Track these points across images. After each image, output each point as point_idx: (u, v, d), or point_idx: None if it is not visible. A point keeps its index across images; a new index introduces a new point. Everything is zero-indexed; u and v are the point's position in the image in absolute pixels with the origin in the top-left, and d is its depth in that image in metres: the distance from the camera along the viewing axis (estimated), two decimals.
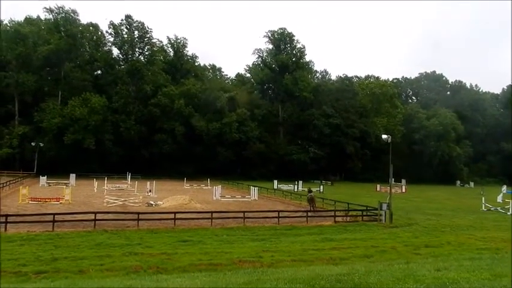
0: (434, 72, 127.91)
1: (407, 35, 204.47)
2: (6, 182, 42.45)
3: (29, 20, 77.27)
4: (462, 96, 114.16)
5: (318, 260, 14.15)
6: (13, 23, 76.25)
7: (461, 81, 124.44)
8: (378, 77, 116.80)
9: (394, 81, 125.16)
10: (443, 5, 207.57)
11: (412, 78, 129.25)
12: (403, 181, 70.11)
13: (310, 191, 34.63)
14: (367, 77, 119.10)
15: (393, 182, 33.97)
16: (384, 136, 31.64)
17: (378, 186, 62.02)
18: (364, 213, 27.47)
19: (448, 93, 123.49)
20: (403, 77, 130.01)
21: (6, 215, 20.44)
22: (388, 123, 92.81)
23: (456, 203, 44.62)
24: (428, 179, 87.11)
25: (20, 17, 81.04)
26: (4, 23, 78.38)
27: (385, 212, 25.96)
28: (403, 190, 60.18)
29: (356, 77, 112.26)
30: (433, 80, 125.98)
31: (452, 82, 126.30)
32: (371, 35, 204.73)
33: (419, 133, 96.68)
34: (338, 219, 26.33)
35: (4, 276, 11.10)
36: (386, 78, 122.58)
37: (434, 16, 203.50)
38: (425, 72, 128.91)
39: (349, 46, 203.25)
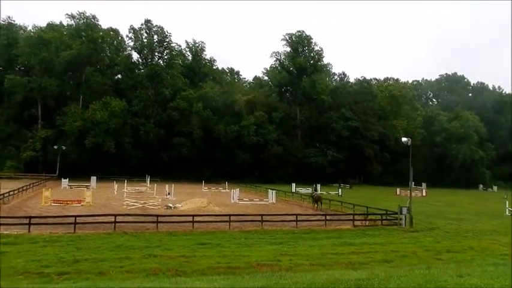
0: (456, 73, 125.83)
1: (427, 36, 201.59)
2: (29, 184, 43.55)
3: (51, 26, 79.09)
4: (484, 98, 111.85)
5: (337, 264, 14.04)
6: (36, 28, 78.17)
7: (484, 83, 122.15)
8: (397, 79, 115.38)
9: (414, 83, 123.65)
10: (464, 5, 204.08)
11: (433, 80, 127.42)
12: (424, 185, 68.98)
13: (315, 190, 36.84)
14: (386, 79, 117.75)
15: (413, 186, 33.43)
16: (404, 139, 31.25)
17: (398, 189, 61.15)
18: (384, 217, 27.12)
19: (470, 95, 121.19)
20: (423, 79, 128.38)
21: (30, 217, 20.92)
22: (408, 126, 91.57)
23: (479, 207, 43.61)
24: (449, 182, 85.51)
25: (43, 23, 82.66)
26: (28, 29, 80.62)
27: (405, 216, 25.59)
28: (424, 194, 59.21)
29: (374, 79, 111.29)
30: (454, 81, 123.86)
31: (474, 84, 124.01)
32: (390, 36, 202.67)
33: (440, 136, 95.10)
34: (357, 223, 26.05)
35: (27, 277, 11.37)
36: (405, 80, 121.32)
37: (456, 17, 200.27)
38: (446, 73, 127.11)
39: (367, 48, 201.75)
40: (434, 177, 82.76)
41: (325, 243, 19.14)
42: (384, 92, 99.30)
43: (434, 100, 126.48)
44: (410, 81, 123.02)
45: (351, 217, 26.76)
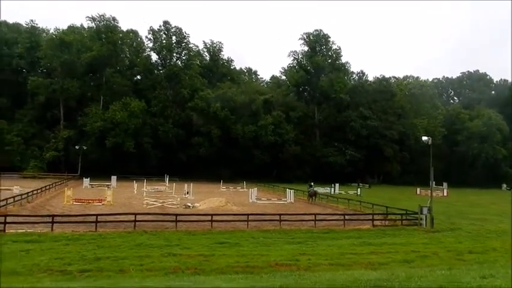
0: (478, 71, 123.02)
1: (448, 33, 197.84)
2: (52, 184, 44.55)
3: (72, 29, 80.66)
4: (507, 96, 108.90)
5: (356, 264, 13.93)
6: (58, 31, 79.89)
7: (507, 80, 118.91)
8: (417, 77, 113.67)
9: (435, 81, 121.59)
10: (486, 2, 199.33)
11: (454, 77, 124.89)
12: (445, 184, 67.65)
13: (311, 186, 43.02)
14: (406, 77, 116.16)
15: (434, 186, 32.85)
16: (424, 138, 30.74)
17: (418, 189, 60.27)
18: (404, 217, 26.77)
19: (493, 92, 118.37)
20: (443, 76, 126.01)
21: (53, 215, 21.39)
22: (428, 125, 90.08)
23: (502, 208, 42.49)
24: (471, 182, 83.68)
25: (64, 25, 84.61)
26: (50, 32, 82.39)
27: (425, 216, 25.20)
28: (445, 194, 58.19)
29: (394, 77, 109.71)
30: (476, 79, 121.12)
31: (497, 81, 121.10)
32: (409, 34, 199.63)
33: (462, 134, 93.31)
34: (376, 223, 25.80)
35: (51, 274, 11.63)
36: (426, 79, 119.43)
37: (477, 13, 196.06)
38: (468, 71, 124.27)
39: (386, 46, 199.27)
40: (456, 177, 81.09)
41: (344, 243, 19.01)
42: (404, 90, 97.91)
43: (455, 98, 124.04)
44: (430, 79, 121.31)
45: (370, 217, 26.53)
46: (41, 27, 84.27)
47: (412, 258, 15.22)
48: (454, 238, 21.29)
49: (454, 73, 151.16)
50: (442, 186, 64.46)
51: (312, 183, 47.36)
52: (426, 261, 14.74)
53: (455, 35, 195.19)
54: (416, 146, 78.80)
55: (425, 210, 25.34)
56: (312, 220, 24.63)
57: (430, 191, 30.95)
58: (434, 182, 31.17)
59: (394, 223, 26.20)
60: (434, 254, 16.38)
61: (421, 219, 25.33)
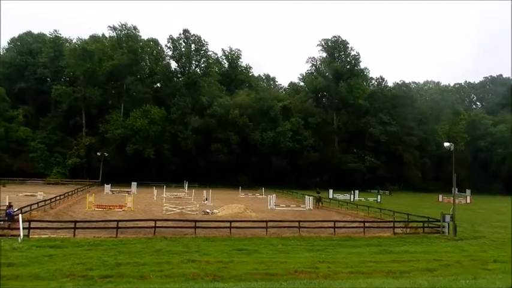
0: (501, 75, 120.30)
1: (470, 37, 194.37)
2: (74, 190, 45.48)
3: (94, 38, 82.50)
4: None
5: (377, 272, 13.71)
6: (80, 41, 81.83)
7: None
8: (437, 83, 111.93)
9: (456, 86, 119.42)
10: (508, 4, 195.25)
11: (476, 82, 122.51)
12: (468, 191, 66.22)
13: (318, 192, 46.30)
14: (426, 82, 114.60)
15: (457, 192, 32.15)
16: (446, 144, 30.16)
17: (440, 196, 59.19)
18: (426, 224, 26.32)
19: None
20: (465, 81, 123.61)
21: (75, 221, 21.80)
22: (450, 131, 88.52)
23: None
24: (495, 189, 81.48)
25: (85, 35, 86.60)
26: (73, 41, 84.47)
27: (448, 224, 24.70)
28: (468, 201, 56.96)
29: (414, 82, 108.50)
30: (500, 83, 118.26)
31: None
32: (429, 39, 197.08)
33: (485, 140, 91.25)
34: (397, 230, 25.39)
35: (73, 279, 11.83)
36: (447, 84, 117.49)
37: (500, 16, 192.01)
38: (491, 75, 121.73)
39: (405, 52, 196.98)
40: (479, 184, 79.22)
41: (364, 250, 18.76)
42: (424, 95, 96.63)
43: (478, 103, 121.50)
44: (452, 84, 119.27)
45: (391, 224, 26.12)
46: (64, 37, 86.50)
47: (434, 267, 14.89)
48: (478, 246, 20.78)
49: (477, 78, 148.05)
50: (465, 193, 63.10)
51: (319, 190, 50.16)
52: (449, 270, 14.42)
53: (477, 39, 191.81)
54: (438, 152, 77.53)
55: (447, 218, 24.84)
56: (332, 227, 24.42)
57: (452, 198, 30.31)
58: (456, 189, 30.51)
59: (415, 231, 25.76)
60: (458, 262, 16.00)
61: (443, 227, 24.84)
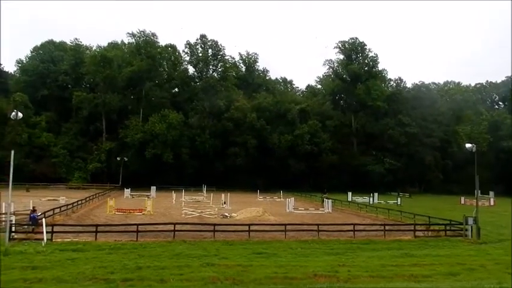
0: None
1: (491, 36, 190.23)
2: (95, 194, 46.27)
3: (113, 45, 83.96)
4: None
5: (398, 276, 13.50)
6: (100, 48, 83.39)
7: None
8: (458, 83, 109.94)
9: (477, 86, 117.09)
10: None
11: (498, 82, 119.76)
12: (491, 193, 64.71)
13: (325, 192, 50.10)
14: (446, 83, 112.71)
15: (480, 194, 31.47)
16: (468, 145, 29.54)
17: (462, 198, 57.98)
18: (448, 227, 25.78)
19: None
20: (487, 81, 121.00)
21: (97, 225, 22.17)
22: (471, 131, 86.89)
23: None
24: None
25: (104, 42, 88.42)
26: (93, 49, 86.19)
27: (471, 227, 24.17)
28: (492, 203, 55.58)
29: (433, 83, 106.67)
30: None
31: None
32: (449, 38, 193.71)
33: (508, 141, 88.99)
34: (418, 233, 24.96)
35: (95, 282, 12.01)
36: (467, 84, 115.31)
37: None
38: None
39: (424, 52, 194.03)
40: (503, 185, 77.35)
41: (385, 254, 18.49)
42: (445, 96, 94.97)
43: (500, 103, 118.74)
44: (473, 84, 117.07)
45: (412, 227, 25.67)
46: (84, 44, 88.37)
47: (457, 271, 14.57)
48: (502, 250, 20.23)
49: (499, 77, 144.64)
50: (489, 195, 61.73)
51: (326, 190, 54.80)
52: (473, 274, 14.09)
53: (499, 38, 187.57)
54: (459, 153, 75.91)
55: (470, 221, 24.31)
56: (351, 230, 24.15)
57: (475, 200, 29.69)
58: (479, 191, 29.86)
59: (437, 234, 25.30)
60: (482, 266, 15.62)
61: (466, 229, 24.31)
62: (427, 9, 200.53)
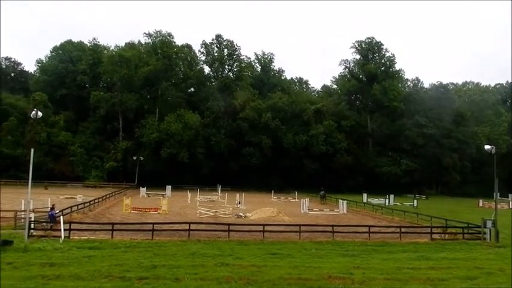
0: None
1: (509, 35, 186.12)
2: (112, 193, 46.87)
3: (130, 45, 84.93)
4: None
5: (414, 279, 13.34)
6: (117, 48, 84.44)
7: None
8: (477, 83, 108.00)
9: (497, 86, 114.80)
10: None
11: None
12: (510, 196, 63.48)
13: (322, 190, 53.90)
14: (465, 83, 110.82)
15: (499, 197, 30.89)
16: (487, 147, 28.98)
17: (480, 201, 56.96)
18: (465, 230, 25.31)
19: None
20: (507, 81, 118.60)
21: (113, 223, 22.43)
22: (491, 133, 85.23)
23: None
24: None
25: (121, 42, 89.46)
26: (111, 49, 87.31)
27: (490, 230, 23.70)
28: (511, 206, 54.48)
29: (452, 83, 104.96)
30: None
31: None
32: (468, 38, 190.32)
33: None
34: (435, 236, 24.59)
35: (111, 280, 12.17)
36: (487, 84, 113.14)
37: None
38: None
39: (443, 52, 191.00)
40: None
41: (401, 256, 18.28)
42: (463, 96, 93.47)
43: None
44: (492, 85, 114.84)
45: (428, 230, 25.28)
46: (102, 44, 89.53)
47: (475, 275, 14.32)
48: None
49: None
50: (508, 198, 60.57)
51: (323, 188, 56.75)
52: (491, 278, 13.83)
53: None
54: (478, 155, 74.81)
55: (489, 224, 23.83)
56: (366, 232, 23.94)
57: (494, 202, 29.15)
58: (498, 193, 29.29)
59: (454, 237, 24.87)
60: (501, 271, 15.31)
61: (484, 233, 23.86)
62: (446, 8, 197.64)
